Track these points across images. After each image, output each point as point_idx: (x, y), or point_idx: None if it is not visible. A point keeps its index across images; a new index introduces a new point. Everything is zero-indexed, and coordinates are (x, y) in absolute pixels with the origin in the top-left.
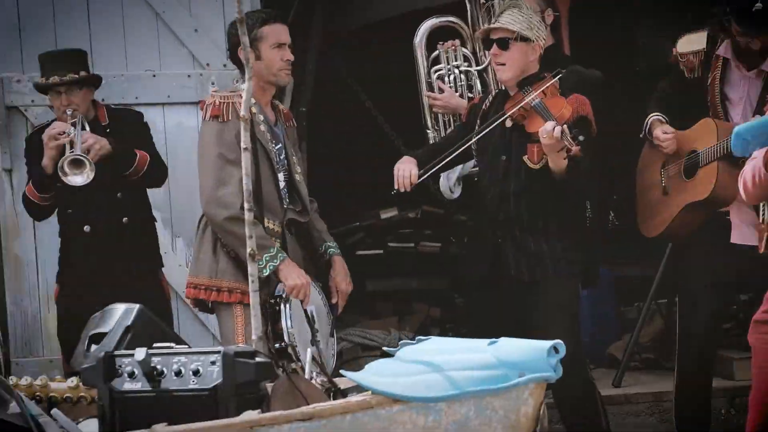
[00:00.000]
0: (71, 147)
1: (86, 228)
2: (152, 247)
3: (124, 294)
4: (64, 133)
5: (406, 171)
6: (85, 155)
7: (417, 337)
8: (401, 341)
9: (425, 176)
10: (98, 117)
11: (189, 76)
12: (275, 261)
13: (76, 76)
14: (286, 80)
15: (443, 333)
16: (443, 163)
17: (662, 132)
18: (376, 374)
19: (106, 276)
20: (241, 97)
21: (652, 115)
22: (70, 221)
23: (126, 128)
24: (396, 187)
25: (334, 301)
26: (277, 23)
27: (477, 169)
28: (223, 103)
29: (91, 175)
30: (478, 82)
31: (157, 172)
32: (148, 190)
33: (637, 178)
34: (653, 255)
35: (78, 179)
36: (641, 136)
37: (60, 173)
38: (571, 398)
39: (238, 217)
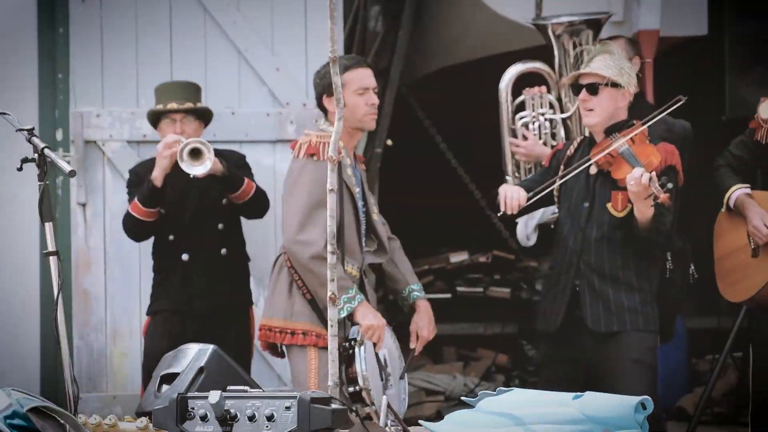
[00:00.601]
0: None
1: (185, 256)
2: (245, 283)
3: (216, 327)
4: (179, 141)
5: (515, 193)
6: (204, 142)
7: (498, 388)
8: (481, 391)
9: (534, 199)
10: None
11: (268, 114)
12: (353, 303)
13: (193, 105)
14: (372, 125)
15: (509, 381)
16: (552, 188)
17: (764, 223)
18: (455, 425)
19: (200, 307)
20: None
21: (736, 188)
22: (170, 249)
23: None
24: (503, 209)
25: (412, 346)
26: (360, 68)
27: (555, 216)
28: (320, 142)
29: (209, 165)
30: (562, 130)
31: (261, 202)
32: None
33: (716, 243)
34: (727, 307)
35: (198, 169)
36: (723, 210)
37: (179, 160)
38: None
39: (323, 256)
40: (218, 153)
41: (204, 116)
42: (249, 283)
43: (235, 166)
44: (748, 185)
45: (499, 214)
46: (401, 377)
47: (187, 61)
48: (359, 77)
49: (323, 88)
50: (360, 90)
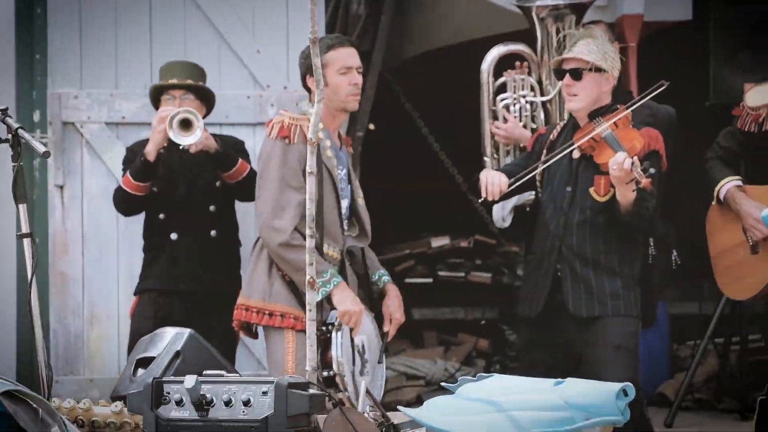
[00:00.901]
0: None
1: (173, 236)
2: (236, 267)
3: (204, 310)
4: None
5: (495, 179)
6: (194, 113)
7: (479, 374)
8: (462, 377)
9: (516, 185)
10: None
11: (249, 97)
12: (329, 285)
13: (194, 82)
14: (354, 106)
15: (490, 366)
16: (532, 174)
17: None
18: (434, 411)
19: (187, 288)
20: (310, 121)
21: (726, 181)
22: (160, 228)
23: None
24: (484, 195)
25: (386, 329)
26: (343, 47)
27: (531, 198)
28: (293, 124)
29: (199, 135)
30: (542, 113)
31: (253, 185)
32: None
33: (710, 240)
34: (710, 293)
35: (188, 139)
36: (713, 203)
37: (168, 130)
38: None
39: (290, 243)
40: (216, 136)
41: (205, 98)
42: (239, 268)
43: (233, 149)
44: (739, 177)
45: (480, 201)
46: (379, 361)
47: (167, 42)
48: (342, 56)
49: (307, 68)
50: (343, 69)
